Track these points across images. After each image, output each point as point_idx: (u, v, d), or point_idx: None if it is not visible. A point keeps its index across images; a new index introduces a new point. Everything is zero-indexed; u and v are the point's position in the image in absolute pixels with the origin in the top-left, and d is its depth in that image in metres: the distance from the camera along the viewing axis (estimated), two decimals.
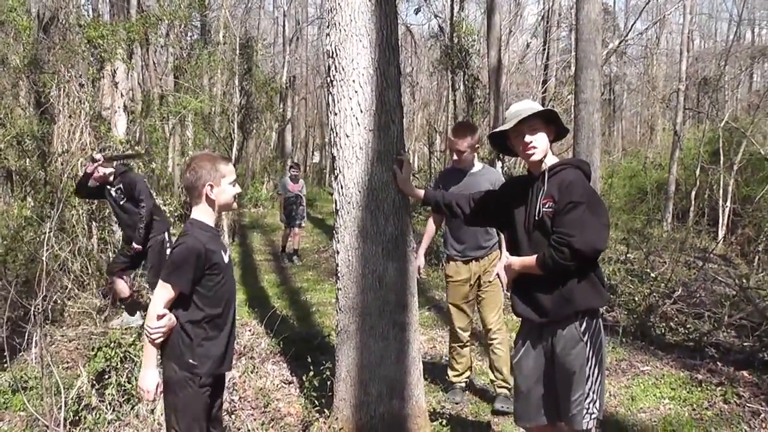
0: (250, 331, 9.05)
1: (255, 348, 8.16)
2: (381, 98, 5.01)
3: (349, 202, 5.09)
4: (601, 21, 11.84)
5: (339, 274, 5.27)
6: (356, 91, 4.97)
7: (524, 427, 4.60)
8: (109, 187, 8.91)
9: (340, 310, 5.29)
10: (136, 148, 13.88)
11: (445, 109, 27.83)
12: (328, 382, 5.77)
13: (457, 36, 21.97)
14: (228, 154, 19.99)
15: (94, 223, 11.09)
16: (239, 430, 5.75)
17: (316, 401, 5.84)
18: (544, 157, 4.25)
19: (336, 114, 5.11)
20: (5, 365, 6.78)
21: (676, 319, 9.35)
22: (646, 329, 9.06)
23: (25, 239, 10.32)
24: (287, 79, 36.32)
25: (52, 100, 12.96)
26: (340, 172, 5.13)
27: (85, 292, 9.66)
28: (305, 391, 6.11)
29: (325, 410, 5.67)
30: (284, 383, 7.10)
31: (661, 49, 42.63)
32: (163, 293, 3.84)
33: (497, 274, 6.27)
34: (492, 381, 6.70)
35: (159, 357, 3.98)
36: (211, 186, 3.97)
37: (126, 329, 8.54)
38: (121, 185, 8.87)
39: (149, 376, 3.92)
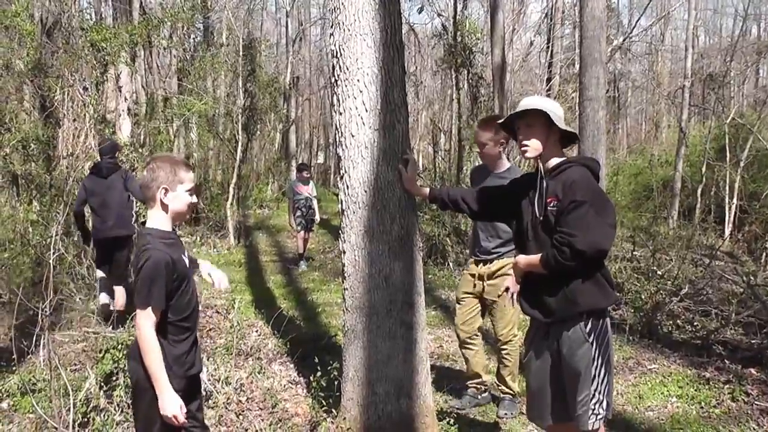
0: (257, 332, 9.04)
1: (262, 349, 8.16)
2: (386, 97, 5.00)
3: (354, 202, 5.09)
4: (605, 18, 11.81)
5: (345, 274, 5.26)
6: (361, 91, 4.97)
7: (538, 425, 4.59)
8: None
9: (346, 309, 5.29)
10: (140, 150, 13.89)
11: (450, 108, 27.84)
12: (336, 382, 5.78)
13: (460, 35, 21.91)
14: (233, 155, 20.04)
15: None
16: (247, 430, 5.76)
17: (323, 401, 5.85)
18: (540, 155, 4.25)
19: (341, 113, 5.10)
20: (14, 368, 6.78)
21: (683, 316, 9.35)
22: (653, 327, 9.05)
23: (31, 242, 10.35)
24: (291, 79, 36.30)
25: (56, 104, 13.00)
26: (345, 171, 5.13)
27: (92, 294, 9.66)
28: (312, 391, 6.12)
29: (333, 410, 5.67)
30: (291, 384, 7.10)
31: (666, 46, 42.55)
32: (147, 321, 3.69)
33: (506, 288, 6.16)
34: (498, 385, 6.65)
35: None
36: (166, 190, 3.85)
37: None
38: None
39: (168, 400, 3.74)
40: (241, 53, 20.41)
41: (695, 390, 7.03)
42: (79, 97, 12.58)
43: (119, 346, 6.48)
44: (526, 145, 4.22)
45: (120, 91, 14.19)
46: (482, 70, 23.41)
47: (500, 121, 4.47)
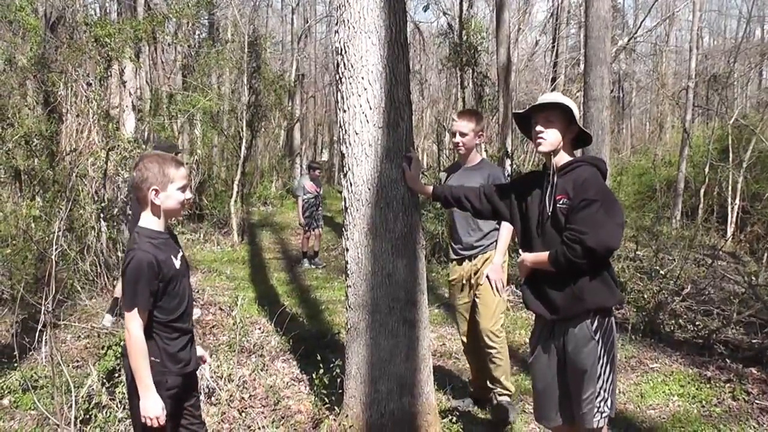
0: (259, 329, 9.05)
1: (265, 346, 8.17)
2: (390, 95, 5.00)
3: (358, 200, 5.09)
4: (610, 18, 11.81)
5: (348, 272, 5.26)
6: (365, 88, 4.97)
7: (545, 426, 4.59)
8: None
9: (349, 307, 5.29)
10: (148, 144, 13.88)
11: (454, 106, 27.84)
12: (338, 380, 5.77)
13: (466, 33, 21.92)
14: (237, 152, 20.04)
15: (102, 222, 11.10)
16: (249, 427, 5.76)
17: (326, 399, 5.85)
18: (554, 151, 4.24)
19: (345, 111, 5.10)
20: (15, 364, 6.78)
21: (685, 316, 9.34)
22: (655, 326, 9.05)
23: (33, 238, 10.35)
24: (296, 77, 36.30)
25: (59, 99, 12.99)
26: (349, 169, 5.13)
27: (94, 290, 9.68)
28: (315, 388, 6.13)
29: (335, 407, 5.67)
30: (294, 381, 7.11)
31: (671, 47, 42.54)
32: (134, 323, 3.67)
33: (486, 276, 6.06)
34: (492, 390, 6.42)
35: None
36: (157, 191, 3.81)
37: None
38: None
39: (150, 403, 3.73)
40: (246, 50, 20.39)
41: (696, 389, 7.04)
42: (83, 92, 12.57)
43: (121, 343, 6.48)
44: (543, 138, 4.21)
45: (124, 87, 14.18)
46: (487, 69, 23.49)
47: (518, 112, 4.45)
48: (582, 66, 18.95)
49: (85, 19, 14.35)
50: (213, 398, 6.18)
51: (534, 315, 4.46)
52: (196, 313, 9.56)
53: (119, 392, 5.92)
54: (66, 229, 9.97)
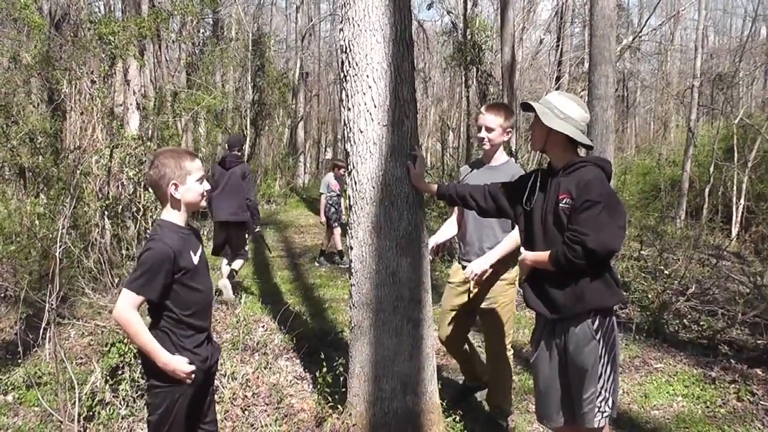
0: (263, 327, 9.04)
1: (268, 344, 8.16)
2: (395, 93, 4.99)
3: (362, 198, 5.08)
4: (615, 17, 11.79)
5: (352, 270, 5.25)
6: (370, 87, 4.96)
7: (547, 426, 4.58)
8: None
9: (353, 305, 5.28)
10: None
11: (459, 105, 27.84)
12: (342, 378, 5.77)
13: (470, 32, 21.90)
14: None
15: (106, 219, 11.10)
16: (252, 425, 5.76)
17: (329, 397, 5.84)
18: (544, 149, 4.27)
19: (350, 109, 5.09)
20: (19, 361, 6.79)
21: (689, 316, 9.33)
22: (659, 326, 9.03)
23: (38, 236, 10.35)
24: (300, 75, 36.30)
25: (64, 96, 13.00)
26: (353, 167, 5.12)
27: (98, 287, 9.68)
28: (318, 387, 6.12)
29: (339, 406, 5.66)
30: (297, 379, 7.10)
31: (676, 46, 42.48)
32: (126, 302, 3.64)
33: (473, 272, 5.55)
34: (494, 408, 6.16)
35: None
36: (176, 185, 3.85)
37: None
38: None
39: (172, 362, 3.74)
40: (250, 48, 20.42)
41: (701, 389, 7.03)
42: (87, 90, 12.57)
43: (125, 340, 6.48)
44: (532, 138, 4.26)
45: (128, 85, 14.19)
46: (491, 67, 23.44)
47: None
48: (586, 65, 18.96)
49: (90, 17, 14.36)
50: (216, 396, 6.18)
51: (536, 314, 4.45)
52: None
53: (122, 389, 5.93)
54: (70, 227, 9.97)
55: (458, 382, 6.98)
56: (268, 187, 28.73)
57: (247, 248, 11.05)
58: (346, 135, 5.21)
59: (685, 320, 9.14)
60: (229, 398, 6.18)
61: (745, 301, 9.28)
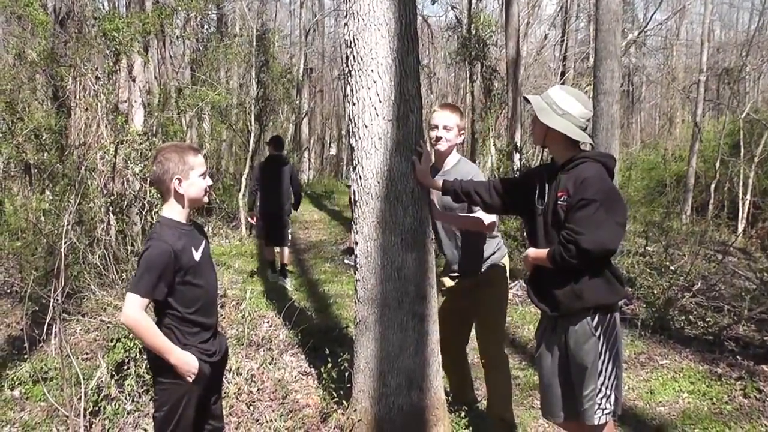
0: (268, 322, 9.05)
1: (273, 340, 8.17)
2: (400, 88, 4.97)
3: (367, 193, 5.06)
4: (620, 11, 11.79)
5: (357, 266, 5.24)
6: (375, 81, 4.94)
7: (551, 421, 4.58)
8: None
9: (358, 301, 5.27)
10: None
11: (463, 100, 27.81)
12: (347, 374, 5.76)
13: (474, 27, 21.92)
14: (245, 146, 20.05)
15: (111, 215, 11.10)
16: (257, 421, 5.76)
17: (334, 393, 5.84)
18: (544, 145, 4.26)
19: (354, 104, 5.07)
20: (25, 356, 6.80)
21: (695, 312, 9.30)
22: (665, 322, 9.02)
23: (43, 232, 10.37)
24: (304, 70, 36.29)
25: (68, 93, 13.01)
26: (358, 162, 5.10)
27: (104, 283, 9.69)
28: (323, 382, 6.11)
29: (344, 402, 5.66)
30: (302, 375, 7.10)
31: (681, 40, 42.47)
32: (132, 305, 3.62)
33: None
34: (498, 418, 5.92)
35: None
36: (180, 180, 3.83)
37: None
38: None
39: (181, 359, 3.74)
40: (254, 44, 20.38)
41: (707, 386, 7.01)
42: (92, 86, 12.58)
43: (131, 336, 6.49)
44: (532, 133, 4.25)
45: (133, 81, 14.19)
46: (496, 63, 23.43)
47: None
48: (591, 60, 18.92)
49: (94, 13, 14.37)
50: (221, 391, 6.19)
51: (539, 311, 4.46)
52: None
53: (128, 384, 5.94)
54: (75, 223, 9.98)
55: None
56: None
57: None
58: (351, 130, 5.20)
59: (690, 316, 9.12)
60: (234, 393, 6.18)
61: (751, 298, 9.27)
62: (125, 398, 5.88)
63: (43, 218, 11.17)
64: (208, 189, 4.02)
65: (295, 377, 6.99)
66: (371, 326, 5.14)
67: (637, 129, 44.97)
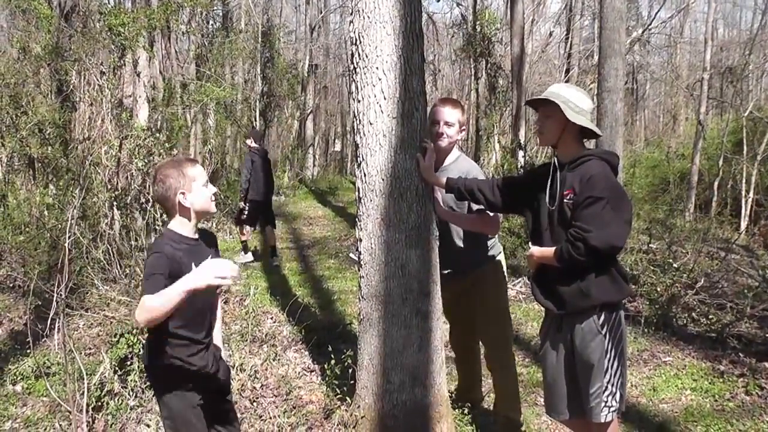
0: (271, 318, 9.05)
1: (277, 336, 8.17)
2: (405, 85, 4.97)
3: (372, 190, 5.06)
4: (625, 9, 11.78)
5: (362, 262, 5.24)
6: (380, 78, 4.94)
7: (555, 419, 4.58)
8: None
9: (362, 297, 5.27)
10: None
11: (468, 97, 27.83)
12: (350, 370, 5.77)
13: (479, 24, 21.91)
14: None
15: (115, 210, 11.11)
16: (261, 417, 5.77)
17: (337, 389, 5.85)
18: (555, 144, 4.25)
19: (359, 101, 5.08)
20: (28, 351, 6.81)
21: (698, 309, 9.30)
22: (668, 320, 9.02)
23: (47, 226, 10.38)
24: (309, 67, 36.26)
25: (73, 88, 13.02)
26: (363, 159, 5.11)
27: (107, 278, 9.70)
28: (327, 378, 6.13)
29: (347, 398, 5.67)
30: (306, 371, 7.11)
31: (685, 38, 42.41)
32: (143, 300, 3.48)
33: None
34: (502, 416, 5.86)
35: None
36: (183, 193, 3.78)
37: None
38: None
39: (200, 274, 3.38)
40: (259, 40, 20.40)
41: (709, 383, 7.02)
42: (96, 81, 12.59)
43: (134, 331, 6.50)
44: (541, 133, 4.24)
45: (138, 77, 14.20)
46: (501, 60, 23.42)
47: (525, 102, 4.47)
48: (596, 57, 18.93)
49: (99, 8, 14.38)
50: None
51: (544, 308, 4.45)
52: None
53: (131, 380, 5.95)
54: (79, 217, 9.98)
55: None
56: (277, 178, 28.68)
57: None
58: (355, 127, 5.20)
59: (693, 314, 9.12)
60: (238, 390, 6.19)
61: (754, 295, 9.27)
62: (128, 394, 5.89)
63: (46, 213, 11.18)
64: (213, 197, 3.96)
65: (299, 373, 7.00)
66: (375, 323, 5.15)
67: (641, 126, 44.93)
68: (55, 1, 15.25)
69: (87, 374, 5.70)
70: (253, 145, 13.47)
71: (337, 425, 5.52)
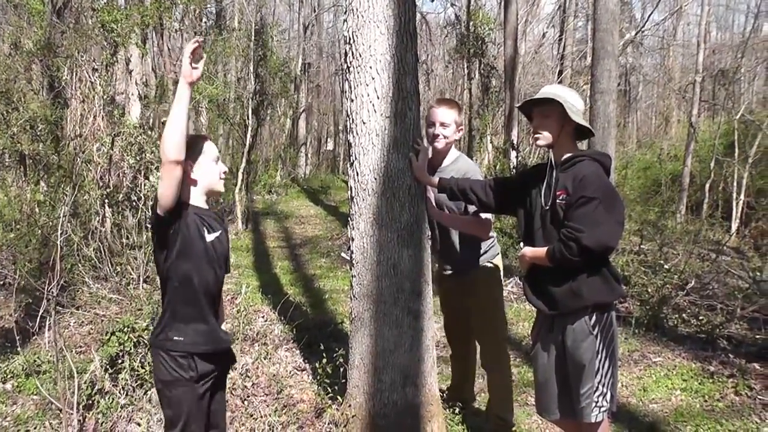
0: (263, 317, 9.05)
1: (268, 334, 8.17)
2: (398, 85, 4.98)
3: (364, 189, 5.06)
4: (618, 11, 11.82)
5: (353, 261, 5.24)
6: (373, 78, 4.95)
7: (546, 418, 4.59)
8: None
9: (354, 297, 5.28)
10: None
11: (461, 98, 27.80)
12: (341, 369, 5.77)
13: (473, 25, 21.94)
14: (242, 140, 20.03)
15: (107, 207, 11.09)
16: (252, 416, 5.76)
17: (328, 388, 5.85)
18: (552, 145, 4.25)
19: (352, 100, 5.08)
20: (18, 349, 6.80)
21: (688, 310, 9.34)
22: (658, 320, 9.05)
23: (38, 223, 10.35)
24: (302, 66, 36.24)
25: (65, 84, 12.98)
26: (355, 158, 5.11)
27: (98, 276, 9.68)
28: (318, 378, 6.13)
29: (338, 397, 5.66)
30: (297, 370, 7.12)
31: (678, 41, 42.47)
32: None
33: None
34: (497, 417, 5.83)
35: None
36: (191, 164, 3.77)
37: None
38: None
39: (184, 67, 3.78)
40: (252, 38, 20.35)
41: (699, 383, 7.05)
42: (88, 78, 12.56)
43: (125, 329, 6.48)
44: (539, 133, 4.23)
45: (130, 74, 14.17)
46: (494, 60, 23.45)
47: (518, 105, 4.46)
48: (589, 59, 18.95)
49: (92, 4, 14.33)
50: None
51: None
52: None
53: (122, 378, 5.93)
54: (70, 215, 9.96)
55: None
56: (269, 177, 28.68)
57: None
58: (348, 126, 5.20)
59: (684, 314, 9.15)
60: (229, 388, 6.17)
61: (744, 296, 9.32)
62: (119, 392, 5.87)
63: (37, 210, 11.14)
64: (222, 174, 3.95)
65: (290, 372, 7.00)
66: (366, 322, 5.15)
67: (634, 128, 44.95)
68: None
69: (78, 372, 5.69)
70: None
71: (328, 424, 5.52)
